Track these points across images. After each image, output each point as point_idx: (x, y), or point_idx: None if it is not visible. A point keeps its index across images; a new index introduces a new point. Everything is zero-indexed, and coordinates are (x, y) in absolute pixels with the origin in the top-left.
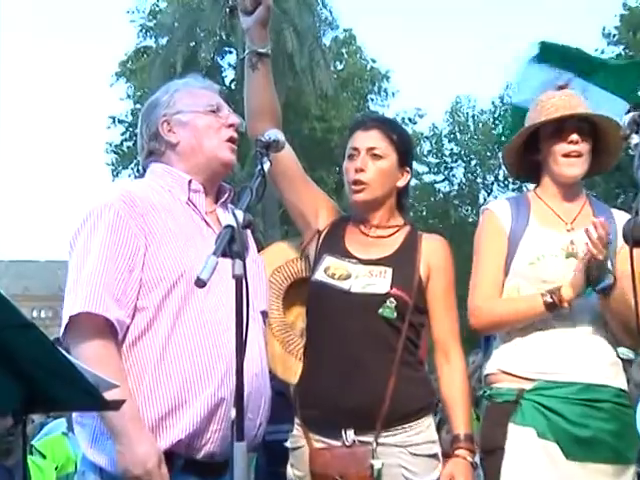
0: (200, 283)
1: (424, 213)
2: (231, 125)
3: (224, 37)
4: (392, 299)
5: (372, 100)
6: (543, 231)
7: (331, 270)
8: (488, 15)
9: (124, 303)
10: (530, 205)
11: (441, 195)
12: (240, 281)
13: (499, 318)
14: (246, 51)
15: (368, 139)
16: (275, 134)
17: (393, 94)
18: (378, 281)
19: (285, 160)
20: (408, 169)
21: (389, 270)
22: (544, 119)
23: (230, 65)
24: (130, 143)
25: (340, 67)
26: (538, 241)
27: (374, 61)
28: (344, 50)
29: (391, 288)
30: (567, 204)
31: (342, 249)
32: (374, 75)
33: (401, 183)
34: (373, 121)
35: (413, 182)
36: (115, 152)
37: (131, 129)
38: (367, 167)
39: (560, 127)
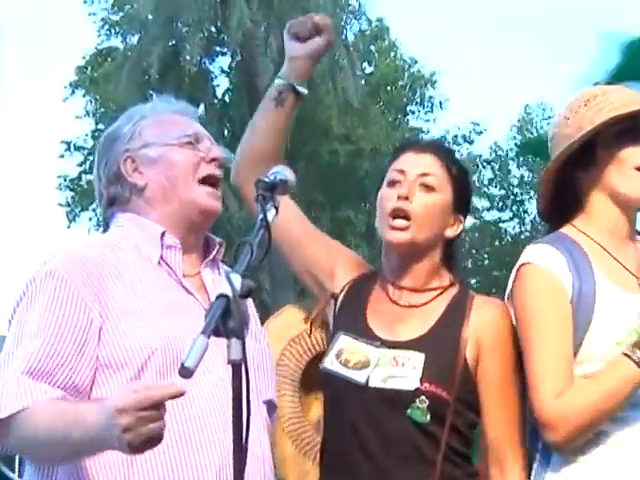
0: (186, 373)
1: (486, 262)
2: (213, 160)
3: (214, 33)
4: (423, 397)
5: (412, 113)
6: (619, 293)
7: (344, 355)
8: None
9: (72, 394)
10: (585, 251)
11: (509, 238)
12: (238, 367)
13: (590, 417)
14: (278, 81)
15: (421, 163)
16: (282, 172)
17: (441, 104)
18: (405, 372)
19: (284, 212)
20: (462, 218)
21: (420, 357)
22: (613, 114)
23: (222, 71)
24: (90, 176)
25: (369, 70)
26: (619, 308)
27: (415, 61)
28: (373, 47)
29: (422, 383)
30: (623, 244)
31: (361, 325)
32: (415, 80)
33: (451, 233)
34: (429, 144)
35: (470, 221)
36: (71, 188)
37: (91, 157)
38: (414, 197)
39: (633, 126)
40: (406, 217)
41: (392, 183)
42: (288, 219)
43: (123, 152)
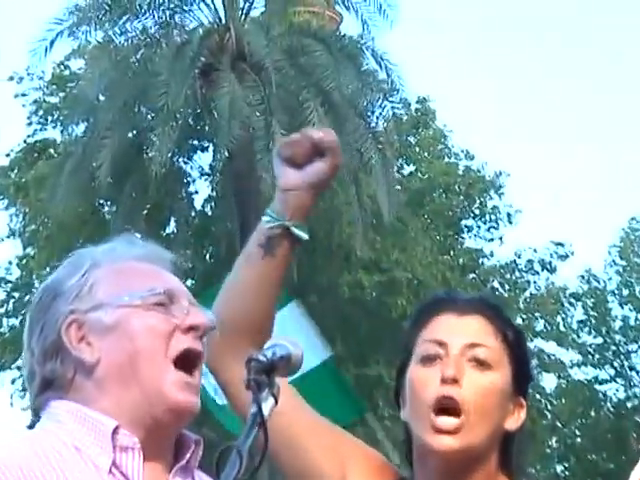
0: None
1: (577, 440)
2: (192, 329)
3: (192, 120)
4: None
5: (469, 230)
6: None
7: None
8: None
9: None
10: None
11: (610, 406)
12: None
13: None
14: (267, 220)
15: (466, 330)
16: (282, 345)
17: (509, 217)
18: None
19: (282, 401)
20: (523, 401)
21: None
22: None
23: (202, 173)
24: (16, 320)
25: (408, 170)
26: None
27: (471, 157)
28: (414, 139)
29: None
30: None
31: None
32: (473, 183)
33: (512, 424)
34: (473, 302)
35: (555, 380)
36: None
37: (17, 294)
38: (465, 378)
39: None
40: (456, 411)
41: (428, 360)
42: (287, 410)
43: (67, 315)
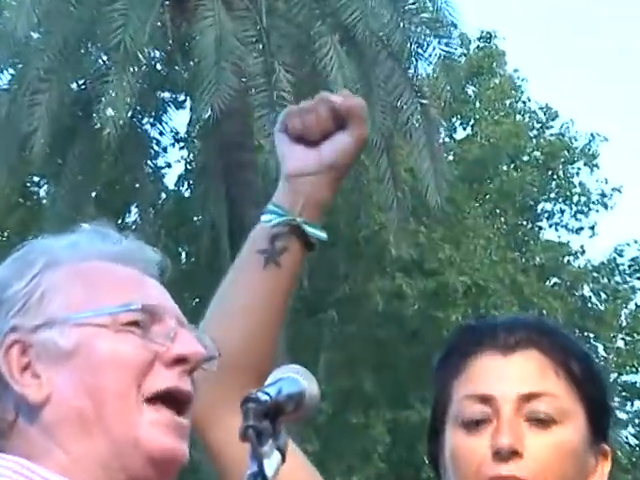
0: None
1: None
2: (179, 360)
3: (159, 68)
4: None
5: (548, 216)
6: None
7: None
8: None
9: None
10: None
11: None
12: None
13: None
14: (269, 218)
15: (518, 374)
16: (291, 379)
17: (604, 200)
18: None
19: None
20: (607, 449)
21: None
22: None
23: (176, 139)
24: None
25: (463, 134)
26: None
27: (551, 115)
28: (472, 90)
29: None
30: None
31: None
32: (554, 150)
33: None
34: (519, 330)
35: None
36: None
37: None
38: (524, 444)
39: None
40: None
41: (473, 425)
42: (293, 472)
43: (6, 333)
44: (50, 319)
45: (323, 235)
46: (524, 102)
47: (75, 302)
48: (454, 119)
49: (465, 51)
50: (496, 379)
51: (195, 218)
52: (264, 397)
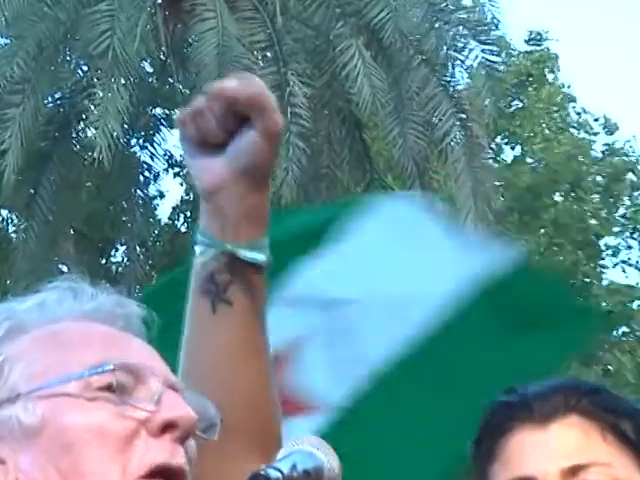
0: None
1: None
2: (167, 427)
3: (151, 79)
4: None
5: (613, 252)
6: None
7: None
8: None
9: None
10: None
11: None
12: None
13: None
14: (202, 250)
15: (559, 446)
16: (306, 453)
17: None
18: None
19: None
20: None
21: None
22: None
23: (171, 163)
24: None
25: (511, 154)
26: None
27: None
28: (521, 102)
29: None
30: None
31: None
32: (618, 171)
33: None
34: (554, 396)
35: None
36: None
37: None
38: None
39: None
40: None
41: None
42: None
43: None
44: (12, 393)
45: (261, 257)
46: (578, 113)
47: (40, 370)
48: (500, 137)
49: (511, 56)
50: (535, 456)
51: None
52: (275, 474)
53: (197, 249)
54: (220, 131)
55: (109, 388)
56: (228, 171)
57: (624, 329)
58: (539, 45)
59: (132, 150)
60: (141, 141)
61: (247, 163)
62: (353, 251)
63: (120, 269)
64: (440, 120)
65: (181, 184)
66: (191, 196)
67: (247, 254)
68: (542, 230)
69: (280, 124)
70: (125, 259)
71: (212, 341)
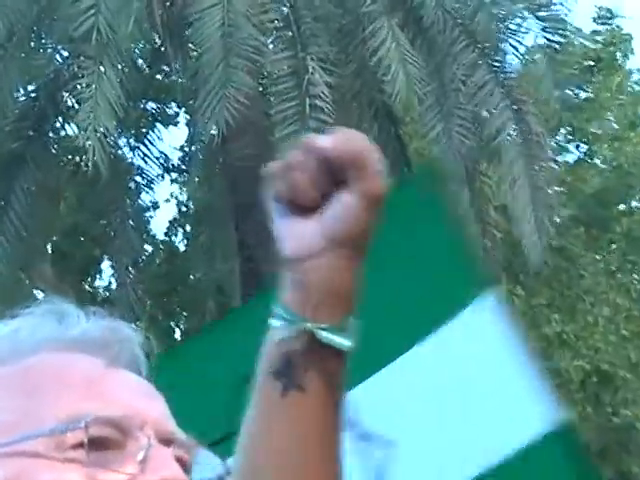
0: None
1: None
2: None
3: (145, 67)
4: None
5: None
6: None
7: None
8: None
9: None
10: None
11: None
12: None
13: None
14: (275, 321)
15: None
16: None
17: None
18: None
19: None
20: None
21: None
22: None
23: (168, 168)
24: None
25: (575, 154)
26: None
27: None
28: (589, 91)
29: None
30: None
31: None
32: None
33: None
34: None
35: None
36: None
37: None
38: None
39: None
40: None
41: None
42: None
43: None
44: None
45: (346, 343)
46: None
47: (6, 422)
48: (564, 133)
49: (577, 38)
50: None
51: (193, 277)
52: None
53: (274, 322)
54: (312, 192)
55: (86, 446)
56: (320, 239)
57: None
58: (609, 24)
59: (120, 151)
60: (131, 140)
61: (341, 230)
62: (421, 372)
63: (107, 294)
64: (491, 114)
65: (179, 193)
66: (191, 208)
67: (329, 336)
68: (613, 245)
69: (383, 187)
70: (113, 282)
71: (277, 429)
